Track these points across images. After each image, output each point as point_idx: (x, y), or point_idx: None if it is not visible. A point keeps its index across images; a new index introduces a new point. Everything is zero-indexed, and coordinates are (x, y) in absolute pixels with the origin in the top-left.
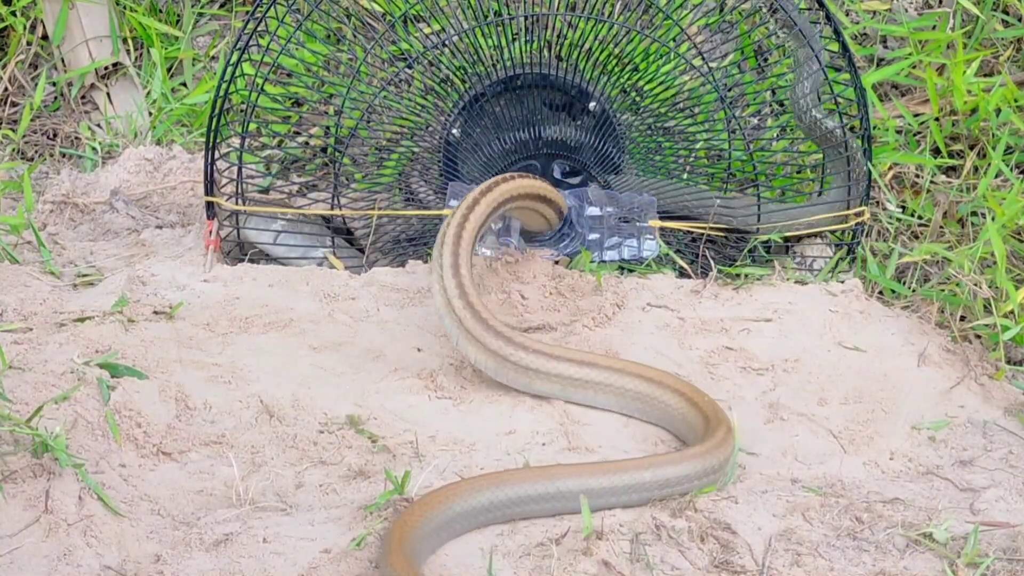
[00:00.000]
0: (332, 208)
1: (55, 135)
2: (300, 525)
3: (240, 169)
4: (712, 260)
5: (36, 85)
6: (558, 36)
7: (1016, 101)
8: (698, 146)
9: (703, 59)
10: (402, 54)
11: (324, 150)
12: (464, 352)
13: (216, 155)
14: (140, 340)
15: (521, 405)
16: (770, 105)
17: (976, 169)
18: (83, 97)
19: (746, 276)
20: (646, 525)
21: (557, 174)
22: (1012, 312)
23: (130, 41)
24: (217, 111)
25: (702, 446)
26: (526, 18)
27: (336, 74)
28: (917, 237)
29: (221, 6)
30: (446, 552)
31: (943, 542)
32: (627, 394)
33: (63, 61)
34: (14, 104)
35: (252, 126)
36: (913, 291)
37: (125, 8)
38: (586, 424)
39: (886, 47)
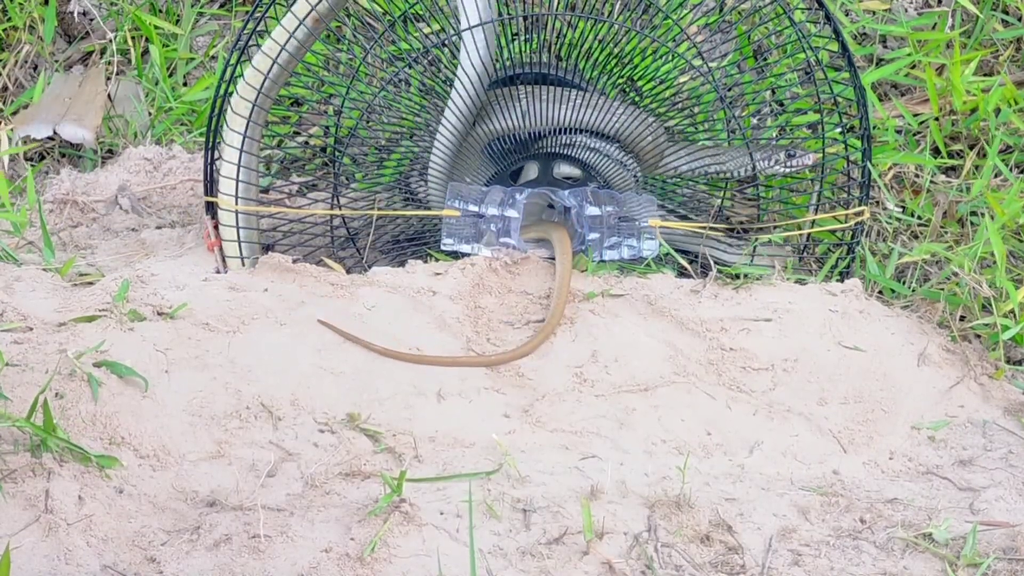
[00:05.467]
0: (332, 208)
1: (55, 135)
2: (300, 525)
3: (240, 169)
4: (712, 260)
5: (36, 85)
6: (557, 36)
7: (1016, 102)
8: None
9: (702, 59)
10: (402, 54)
11: (324, 150)
12: None
13: (216, 155)
14: (140, 340)
15: (522, 405)
16: (770, 105)
17: (976, 169)
18: None
19: (746, 276)
20: (646, 525)
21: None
22: (1012, 312)
23: (130, 41)
24: (217, 111)
25: None
26: (525, 18)
27: (336, 74)
28: (917, 237)
29: (221, 6)
30: (446, 552)
31: (943, 542)
32: None
33: (63, 61)
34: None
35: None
36: (913, 291)
37: (125, 7)
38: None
39: (886, 47)
